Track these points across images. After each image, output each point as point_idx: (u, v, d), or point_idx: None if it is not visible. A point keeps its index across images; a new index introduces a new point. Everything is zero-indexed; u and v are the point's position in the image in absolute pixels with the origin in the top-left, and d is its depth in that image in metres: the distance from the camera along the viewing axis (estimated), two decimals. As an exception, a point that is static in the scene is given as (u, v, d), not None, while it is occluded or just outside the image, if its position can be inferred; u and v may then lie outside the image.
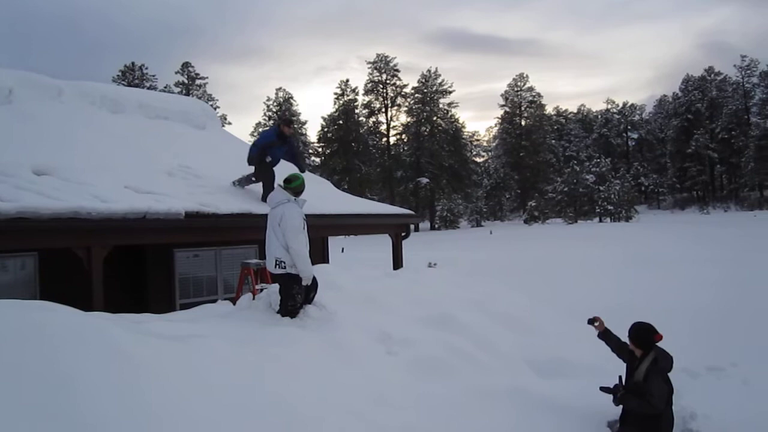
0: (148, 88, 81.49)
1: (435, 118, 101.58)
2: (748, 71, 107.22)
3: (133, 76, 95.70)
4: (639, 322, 6.90)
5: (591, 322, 7.51)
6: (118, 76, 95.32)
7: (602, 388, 6.82)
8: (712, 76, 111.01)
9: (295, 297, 8.16)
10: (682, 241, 37.01)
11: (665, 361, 6.61)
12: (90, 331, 5.61)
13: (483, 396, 7.21)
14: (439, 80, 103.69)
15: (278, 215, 8.10)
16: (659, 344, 6.70)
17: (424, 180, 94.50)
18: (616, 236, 44.90)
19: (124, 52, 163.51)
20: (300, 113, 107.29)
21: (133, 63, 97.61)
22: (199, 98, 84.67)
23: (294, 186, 8.40)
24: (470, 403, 6.95)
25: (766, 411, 7.12)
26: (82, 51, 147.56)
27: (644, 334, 6.74)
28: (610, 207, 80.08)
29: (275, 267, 8.12)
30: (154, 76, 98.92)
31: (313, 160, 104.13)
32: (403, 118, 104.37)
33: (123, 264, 12.49)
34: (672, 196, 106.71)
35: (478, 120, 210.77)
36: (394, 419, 6.12)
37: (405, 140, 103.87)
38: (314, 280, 8.35)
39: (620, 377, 6.78)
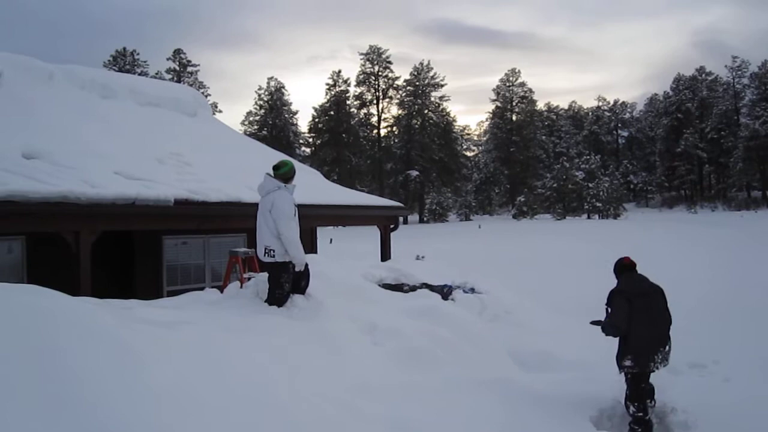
0: (140, 74, 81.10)
1: (426, 111, 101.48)
2: (739, 72, 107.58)
3: (124, 62, 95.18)
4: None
5: (597, 323, 7.46)
6: (109, 61, 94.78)
7: (592, 322, 7.41)
8: (703, 75, 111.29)
9: (284, 286, 8.18)
10: (670, 239, 37.20)
11: (629, 282, 7.10)
12: (77, 316, 5.62)
13: (467, 387, 7.27)
14: (432, 73, 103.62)
15: (269, 203, 8.09)
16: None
17: (414, 173, 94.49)
18: (604, 233, 45.07)
19: (116, 37, 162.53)
20: (291, 103, 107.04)
21: (124, 48, 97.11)
22: (191, 85, 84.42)
23: (283, 172, 8.37)
24: (454, 394, 7.00)
25: (745, 407, 7.19)
26: (73, 35, 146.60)
27: (615, 265, 7.39)
28: (598, 204, 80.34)
29: (265, 255, 8.12)
30: (145, 62, 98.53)
31: (304, 151, 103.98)
32: (395, 111, 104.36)
33: (111, 250, 12.49)
34: (660, 194, 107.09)
35: (470, 114, 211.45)
36: (378, 408, 6.16)
37: (396, 133, 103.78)
38: (306, 268, 8.36)
39: (606, 309, 7.18)
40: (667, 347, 7.01)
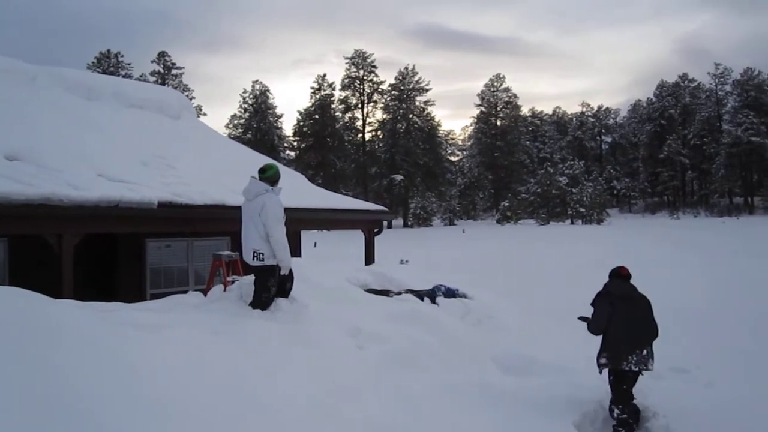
0: (124, 77, 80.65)
1: (411, 116, 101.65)
2: (722, 79, 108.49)
3: (108, 64, 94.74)
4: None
5: (584, 319, 7.83)
6: (93, 63, 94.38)
7: (580, 318, 7.84)
8: (686, 82, 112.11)
9: (270, 289, 8.17)
10: (653, 245, 37.43)
11: (615, 286, 7.51)
12: (59, 318, 5.60)
13: (449, 391, 7.29)
14: (417, 78, 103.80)
15: (259, 205, 8.07)
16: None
17: (399, 177, 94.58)
18: (587, 238, 45.27)
19: (100, 38, 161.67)
20: (276, 106, 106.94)
21: (108, 50, 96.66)
22: (175, 88, 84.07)
23: (269, 175, 8.37)
24: (436, 398, 7.02)
25: (727, 412, 7.25)
26: (55, 35, 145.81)
27: (611, 271, 7.77)
28: (582, 209, 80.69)
29: (253, 259, 8.10)
30: (129, 64, 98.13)
31: (288, 154, 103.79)
32: (379, 115, 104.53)
33: (94, 252, 12.42)
34: (643, 200, 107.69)
35: (454, 119, 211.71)
36: (360, 412, 6.18)
37: (380, 137, 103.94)
38: (290, 272, 8.38)
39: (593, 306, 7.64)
40: (645, 351, 7.20)
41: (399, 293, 11.64)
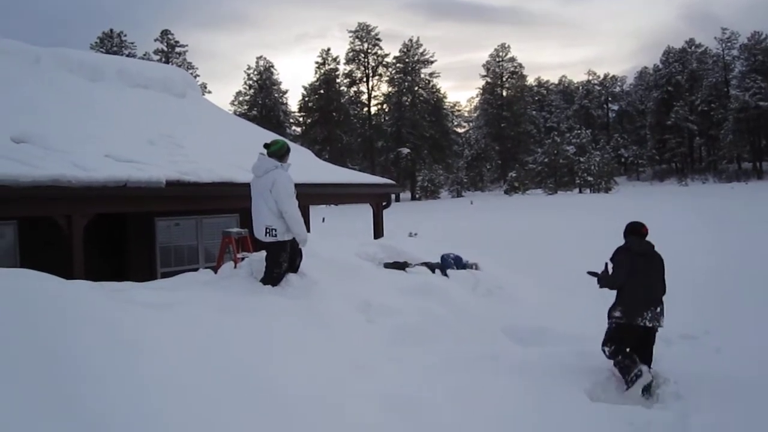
0: (127, 56, 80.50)
1: (416, 88, 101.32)
2: (729, 44, 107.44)
3: (111, 44, 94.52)
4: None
5: (593, 274, 7.93)
6: (96, 43, 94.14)
7: (589, 272, 7.92)
8: (693, 48, 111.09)
9: (282, 265, 8.21)
10: (662, 212, 37.28)
11: (635, 243, 7.61)
12: (72, 299, 5.63)
13: (461, 363, 7.31)
14: (421, 50, 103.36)
15: (269, 182, 8.07)
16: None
17: (405, 150, 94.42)
18: (595, 207, 45.21)
19: (102, 18, 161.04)
20: (281, 82, 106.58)
21: (111, 30, 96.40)
22: (179, 66, 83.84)
23: (274, 150, 8.36)
24: (448, 370, 7.05)
25: (735, 377, 7.27)
26: (57, 17, 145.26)
27: (627, 226, 7.85)
28: (589, 178, 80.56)
29: (265, 235, 8.11)
30: (132, 43, 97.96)
31: (294, 130, 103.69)
32: (385, 88, 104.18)
33: (104, 232, 12.47)
34: (651, 167, 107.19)
35: (460, 90, 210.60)
36: (372, 385, 6.20)
37: (386, 110, 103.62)
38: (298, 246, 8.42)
39: (606, 263, 7.71)
40: (658, 309, 7.39)
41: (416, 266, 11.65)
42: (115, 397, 4.58)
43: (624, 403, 6.84)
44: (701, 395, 6.89)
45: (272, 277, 8.21)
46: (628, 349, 7.32)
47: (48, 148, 10.26)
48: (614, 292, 7.65)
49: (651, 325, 7.36)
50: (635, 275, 7.42)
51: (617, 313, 7.44)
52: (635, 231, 7.77)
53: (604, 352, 7.45)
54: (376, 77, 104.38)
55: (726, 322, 10.06)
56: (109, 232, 12.90)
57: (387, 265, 11.33)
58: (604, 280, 7.71)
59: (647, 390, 7.13)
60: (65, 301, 5.53)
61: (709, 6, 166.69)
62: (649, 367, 7.29)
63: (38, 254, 10.80)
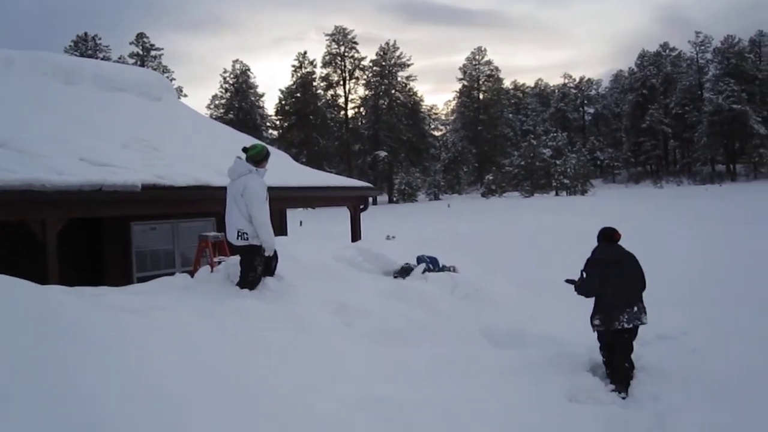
0: (102, 59, 79.91)
1: (393, 92, 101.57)
2: (702, 47, 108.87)
3: (86, 47, 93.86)
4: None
5: (570, 282, 8.16)
6: (70, 46, 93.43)
7: (567, 280, 8.13)
8: (667, 51, 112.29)
9: (256, 268, 8.17)
10: (638, 213, 37.61)
11: (604, 251, 7.85)
12: (47, 304, 5.57)
13: (439, 365, 7.32)
14: (398, 53, 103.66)
15: (241, 186, 8.05)
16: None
17: (382, 153, 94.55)
18: (572, 209, 45.48)
19: (76, 21, 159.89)
20: (257, 86, 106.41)
21: (86, 33, 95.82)
22: (155, 70, 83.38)
23: (251, 154, 8.33)
24: (426, 373, 7.06)
25: (711, 376, 7.35)
26: (31, 18, 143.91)
27: (600, 231, 8.12)
28: (566, 181, 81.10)
29: (237, 239, 8.09)
30: (107, 46, 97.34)
31: (271, 133, 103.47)
32: (361, 91, 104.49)
33: (79, 237, 12.36)
34: (627, 170, 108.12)
35: (437, 93, 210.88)
36: (350, 388, 6.19)
37: (363, 113, 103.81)
38: (275, 251, 8.37)
39: (581, 272, 7.97)
40: (635, 308, 7.62)
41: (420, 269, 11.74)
42: (95, 404, 4.53)
43: (601, 404, 6.88)
44: (678, 395, 6.97)
45: (248, 281, 8.17)
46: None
47: (21, 152, 10.14)
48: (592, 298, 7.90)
49: (630, 326, 7.57)
50: (607, 283, 7.65)
51: (596, 321, 7.70)
52: (607, 237, 8.00)
53: (602, 356, 7.83)
54: (353, 80, 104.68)
55: (703, 323, 10.15)
56: (85, 237, 12.79)
57: (396, 275, 11.41)
58: (579, 288, 7.96)
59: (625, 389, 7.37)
60: (39, 307, 5.46)
61: (684, 10, 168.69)
62: (630, 358, 7.64)
63: (12, 259, 10.68)
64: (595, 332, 7.83)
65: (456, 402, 6.50)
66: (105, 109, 14.44)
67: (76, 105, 13.90)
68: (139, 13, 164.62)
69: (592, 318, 7.76)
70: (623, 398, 7.18)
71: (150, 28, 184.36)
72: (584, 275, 7.90)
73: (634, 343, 7.75)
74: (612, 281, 7.65)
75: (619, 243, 8.07)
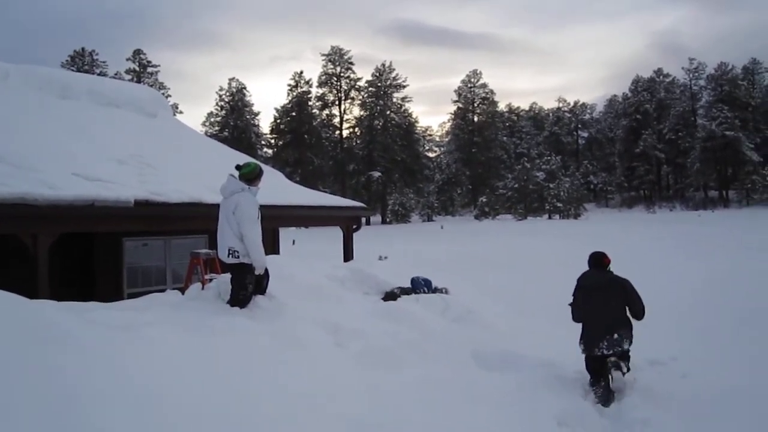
0: (99, 75, 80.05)
1: (388, 112, 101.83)
2: (696, 74, 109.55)
3: (82, 62, 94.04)
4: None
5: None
6: (67, 61, 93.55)
7: (570, 304, 8.32)
8: (661, 77, 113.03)
9: (247, 287, 8.13)
10: (630, 238, 37.67)
11: (588, 279, 8.12)
12: (35, 318, 5.54)
13: (429, 387, 7.29)
14: (393, 74, 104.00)
15: (233, 204, 8.03)
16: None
17: (376, 174, 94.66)
18: (565, 233, 45.53)
19: (74, 36, 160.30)
20: (253, 104, 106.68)
21: (83, 48, 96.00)
22: (151, 86, 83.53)
23: (245, 172, 8.31)
24: (416, 394, 7.02)
25: (701, 401, 7.35)
26: (28, 33, 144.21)
27: (589, 257, 8.37)
28: (559, 204, 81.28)
29: (228, 257, 8.06)
30: (104, 62, 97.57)
31: (265, 152, 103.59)
32: (357, 112, 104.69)
33: (70, 252, 12.32)
34: (620, 194, 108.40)
35: (432, 115, 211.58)
36: (340, 408, 6.16)
37: (358, 134, 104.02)
38: (266, 269, 8.34)
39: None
40: (616, 335, 7.82)
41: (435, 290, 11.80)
42: (85, 419, 4.50)
43: (591, 429, 6.86)
44: (668, 420, 6.95)
45: (238, 299, 8.14)
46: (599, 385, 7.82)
47: (14, 166, 10.12)
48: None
49: (609, 352, 7.79)
50: (590, 309, 7.93)
51: (581, 346, 8.02)
52: (597, 262, 8.22)
53: (589, 378, 8.03)
54: (349, 101, 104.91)
55: (693, 349, 10.14)
56: (76, 252, 12.75)
57: (402, 291, 11.45)
58: (572, 314, 8.29)
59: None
60: (29, 321, 5.43)
61: (678, 37, 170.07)
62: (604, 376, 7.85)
63: (3, 273, 10.63)
64: (584, 357, 8.09)
65: (445, 424, 6.47)
66: (99, 124, 14.45)
67: (70, 119, 13.91)
68: (136, 30, 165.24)
69: (579, 342, 8.05)
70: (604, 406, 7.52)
71: (147, 44, 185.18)
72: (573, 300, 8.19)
73: (630, 365, 7.92)
74: (594, 308, 7.89)
75: (610, 268, 8.22)
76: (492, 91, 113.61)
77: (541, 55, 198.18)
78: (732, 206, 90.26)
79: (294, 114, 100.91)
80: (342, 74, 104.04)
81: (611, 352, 7.76)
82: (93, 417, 4.56)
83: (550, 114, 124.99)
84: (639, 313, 7.97)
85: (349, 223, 16.80)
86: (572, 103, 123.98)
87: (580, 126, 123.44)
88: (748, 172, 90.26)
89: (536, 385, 7.81)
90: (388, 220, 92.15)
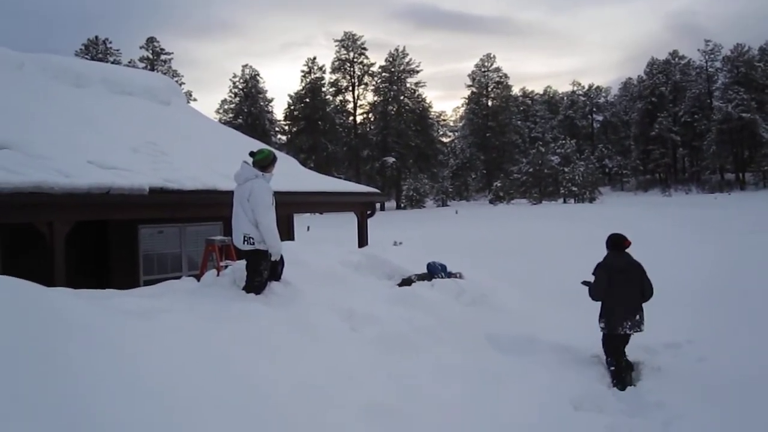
0: (112, 63, 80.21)
1: (402, 98, 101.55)
2: (712, 55, 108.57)
3: (96, 51, 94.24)
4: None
5: (586, 283, 8.57)
6: (81, 50, 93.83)
7: (583, 282, 8.54)
8: (677, 59, 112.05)
9: (262, 273, 8.15)
10: (646, 222, 37.49)
11: (612, 258, 8.27)
12: (54, 307, 5.57)
13: (445, 371, 7.31)
14: (407, 59, 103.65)
15: (247, 191, 8.04)
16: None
17: (391, 159, 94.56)
18: (580, 216, 45.36)
19: (88, 25, 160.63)
20: (266, 90, 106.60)
21: (96, 37, 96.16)
22: (165, 74, 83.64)
23: (258, 159, 8.31)
24: (432, 379, 7.04)
25: (717, 385, 7.32)
26: (42, 22, 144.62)
27: (608, 237, 8.52)
28: (574, 188, 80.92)
29: (243, 243, 8.08)
30: (118, 50, 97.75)
31: (280, 138, 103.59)
32: (370, 97, 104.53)
33: (86, 239, 12.39)
34: (635, 178, 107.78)
35: (446, 100, 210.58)
36: (355, 394, 6.18)
37: (372, 119, 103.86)
38: (281, 256, 8.35)
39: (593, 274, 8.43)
40: (638, 316, 8.13)
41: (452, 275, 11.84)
42: (102, 405, 4.53)
43: (607, 412, 6.86)
44: (683, 404, 6.93)
45: (254, 285, 8.16)
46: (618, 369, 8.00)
47: (30, 155, 10.16)
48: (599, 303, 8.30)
49: (631, 332, 8.10)
50: (614, 289, 8.09)
51: (602, 324, 8.17)
52: (616, 244, 8.34)
53: (606, 362, 8.18)
54: (362, 86, 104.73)
55: (709, 332, 10.09)
56: (92, 240, 12.81)
57: (419, 277, 11.43)
58: (589, 291, 8.38)
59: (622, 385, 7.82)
60: (47, 309, 5.46)
61: (694, 17, 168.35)
62: (624, 352, 8.16)
63: (19, 261, 10.71)
64: (602, 335, 8.24)
65: (460, 408, 6.49)
66: (114, 113, 14.48)
67: (85, 108, 13.94)
68: (149, 18, 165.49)
69: (599, 320, 8.21)
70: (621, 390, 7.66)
71: (160, 32, 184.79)
72: (593, 279, 8.30)
73: (641, 349, 8.35)
74: (618, 289, 8.07)
75: (627, 251, 8.34)
76: (506, 75, 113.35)
77: (555, 38, 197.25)
78: (749, 189, 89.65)
79: (308, 100, 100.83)
80: (355, 60, 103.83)
81: (632, 332, 8.09)
82: (106, 401, 4.59)
83: (565, 98, 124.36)
84: (648, 297, 8.25)
85: (363, 209, 16.80)
86: (587, 87, 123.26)
87: (594, 109, 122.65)
88: (765, 155, 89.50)
89: (552, 368, 7.82)
90: (402, 205, 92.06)
